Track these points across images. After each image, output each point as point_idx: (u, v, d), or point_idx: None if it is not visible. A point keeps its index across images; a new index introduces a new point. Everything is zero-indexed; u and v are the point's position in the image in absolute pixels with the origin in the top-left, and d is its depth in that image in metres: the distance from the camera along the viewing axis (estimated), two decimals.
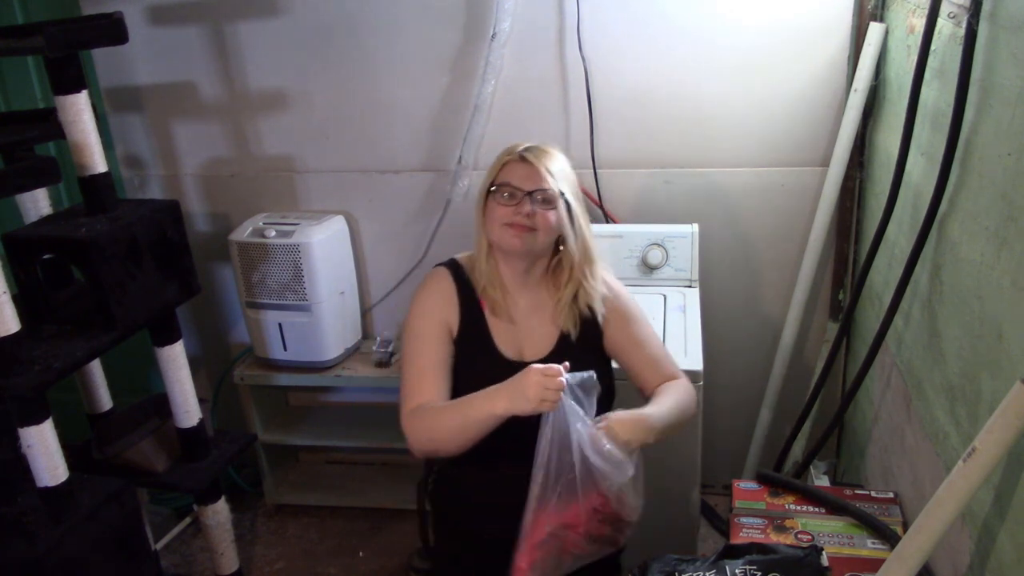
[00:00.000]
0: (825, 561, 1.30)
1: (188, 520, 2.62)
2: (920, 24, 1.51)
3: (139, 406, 2.17)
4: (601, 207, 2.28)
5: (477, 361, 1.45)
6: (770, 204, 2.22)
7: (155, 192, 2.60)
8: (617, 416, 1.28)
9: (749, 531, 1.49)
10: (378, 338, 2.46)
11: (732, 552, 1.29)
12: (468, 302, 1.47)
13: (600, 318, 1.49)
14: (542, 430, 1.25)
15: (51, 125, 1.83)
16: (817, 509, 1.54)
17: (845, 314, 1.97)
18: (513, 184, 1.40)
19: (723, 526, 2.32)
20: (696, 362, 1.76)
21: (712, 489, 2.50)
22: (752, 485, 1.63)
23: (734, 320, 2.35)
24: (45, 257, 1.82)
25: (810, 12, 2.03)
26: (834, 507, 1.53)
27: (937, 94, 1.42)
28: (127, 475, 1.96)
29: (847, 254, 2.21)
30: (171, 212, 1.91)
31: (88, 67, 2.43)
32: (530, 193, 1.39)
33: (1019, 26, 1.05)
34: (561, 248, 1.47)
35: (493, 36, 2.17)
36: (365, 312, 2.59)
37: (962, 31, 1.21)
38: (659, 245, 2.13)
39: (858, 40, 2.00)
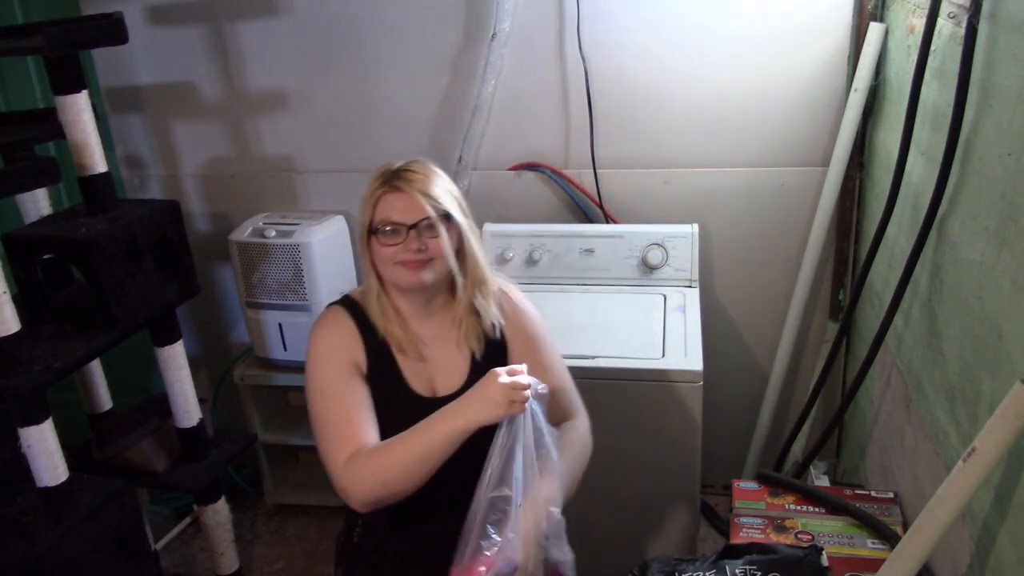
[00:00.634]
0: (825, 561, 1.30)
1: (188, 520, 2.62)
2: (920, 24, 1.51)
3: (139, 406, 2.17)
4: (601, 207, 2.28)
5: (389, 402, 1.34)
6: (770, 204, 2.22)
7: (155, 192, 2.60)
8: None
9: (749, 531, 1.49)
10: None
11: (732, 552, 1.30)
12: (372, 341, 1.35)
13: (499, 334, 1.39)
14: (499, 438, 1.17)
15: (51, 125, 1.83)
16: (817, 509, 1.54)
17: (845, 314, 1.97)
18: (394, 220, 1.27)
19: (723, 526, 2.32)
20: (696, 362, 1.76)
21: (712, 489, 2.50)
22: (752, 485, 1.63)
23: (734, 320, 2.35)
24: (45, 257, 1.81)
25: (810, 12, 2.03)
26: (834, 507, 1.53)
27: (937, 94, 1.42)
28: (127, 475, 1.96)
29: (847, 254, 2.21)
30: (171, 212, 1.91)
31: (88, 67, 2.43)
32: (414, 226, 1.27)
33: (1019, 26, 1.05)
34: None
35: (493, 36, 2.17)
36: None
37: (962, 31, 1.21)
38: (659, 245, 2.13)
39: (858, 40, 2.00)
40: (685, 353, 1.79)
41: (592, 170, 2.26)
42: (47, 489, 1.67)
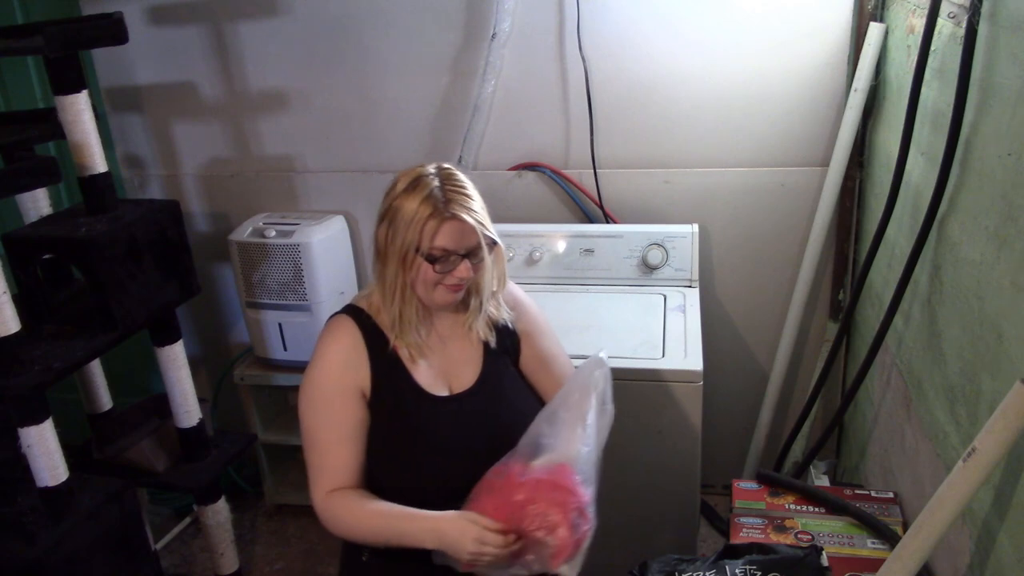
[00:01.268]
0: (825, 561, 1.30)
1: (188, 520, 2.62)
2: (920, 24, 1.51)
3: (139, 406, 2.17)
4: (601, 207, 2.29)
5: (406, 411, 1.30)
6: (770, 204, 2.22)
7: (155, 192, 2.60)
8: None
9: (749, 531, 1.49)
10: None
11: (732, 552, 1.30)
12: (379, 355, 1.30)
13: (511, 324, 1.39)
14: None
15: (51, 125, 1.83)
16: (817, 509, 1.54)
17: (845, 314, 1.97)
18: (450, 249, 1.22)
19: (723, 526, 2.32)
20: (696, 362, 1.76)
21: (712, 489, 2.50)
22: (752, 485, 1.63)
23: (734, 320, 2.35)
24: (45, 257, 1.82)
25: (810, 12, 2.03)
26: (834, 507, 1.53)
27: (937, 94, 1.42)
28: (127, 475, 1.96)
29: (847, 254, 2.21)
30: (171, 212, 1.91)
31: (88, 67, 2.43)
32: (465, 254, 1.24)
33: (1019, 26, 1.05)
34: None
35: (493, 36, 2.17)
36: None
37: (962, 31, 1.21)
38: (659, 245, 2.13)
39: (858, 40, 2.00)
40: (685, 353, 1.79)
41: (592, 170, 2.26)
42: (47, 489, 1.67)
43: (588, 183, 2.28)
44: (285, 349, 2.41)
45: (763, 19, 2.06)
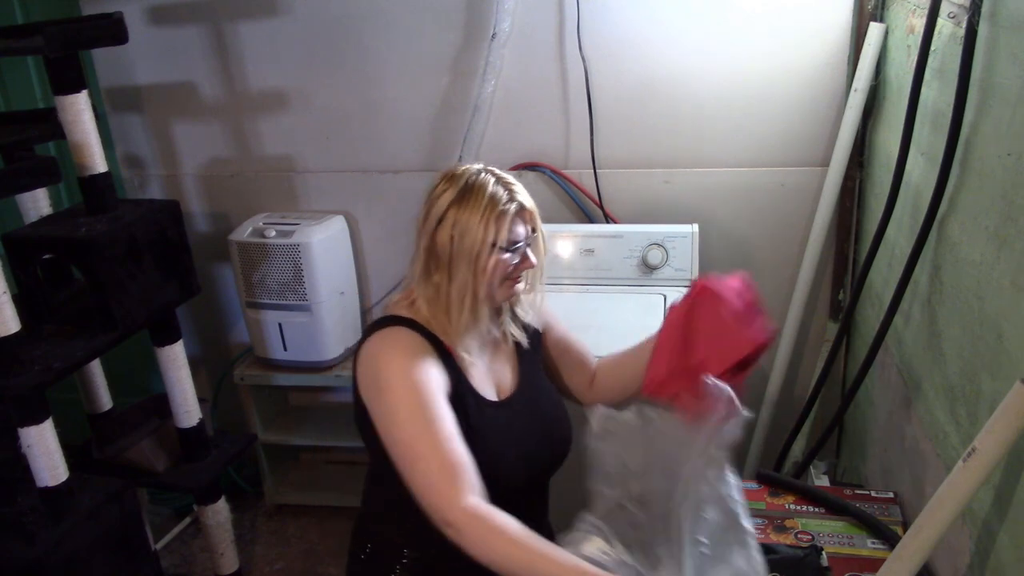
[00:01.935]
0: (825, 561, 1.30)
1: (188, 520, 2.62)
2: (920, 24, 1.51)
3: (139, 406, 2.17)
4: (601, 207, 2.28)
5: (468, 416, 1.27)
6: (770, 204, 2.22)
7: (155, 192, 2.60)
8: None
9: None
10: None
11: None
12: (445, 359, 1.27)
13: (540, 328, 1.42)
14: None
15: (51, 125, 1.84)
16: (817, 509, 1.54)
17: (845, 314, 1.97)
18: (520, 238, 1.25)
19: None
20: None
21: None
22: (752, 485, 1.63)
23: None
24: (45, 257, 1.82)
25: (810, 12, 2.03)
26: (834, 507, 1.53)
27: (937, 94, 1.42)
28: (127, 475, 1.96)
29: (847, 254, 2.21)
30: (171, 212, 1.91)
31: (88, 67, 2.43)
32: (528, 244, 1.28)
33: (1019, 26, 1.05)
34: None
35: (493, 36, 2.17)
36: (365, 312, 2.59)
37: (962, 31, 1.21)
38: (659, 245, 2.13)
39: (858, 40, 2.00)
40: None
41: (592, 170, 2.26)
42: (47, 489, 1.67)
43: (588, 183, 2.28)
44: (285, 349, 2.41)
45: (763, 19, 2.06)
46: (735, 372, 1.19)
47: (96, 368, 2.18)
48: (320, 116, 2.40)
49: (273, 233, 2.31)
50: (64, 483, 1.69)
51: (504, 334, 1.37)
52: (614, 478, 1.15)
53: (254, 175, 2.52)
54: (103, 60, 2.45)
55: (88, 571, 1.73)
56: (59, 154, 2.40)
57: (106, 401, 2.23)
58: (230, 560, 2.18)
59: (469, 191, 1.24)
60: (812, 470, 1.94)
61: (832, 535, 1.46)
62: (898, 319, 1.57)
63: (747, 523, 1.09)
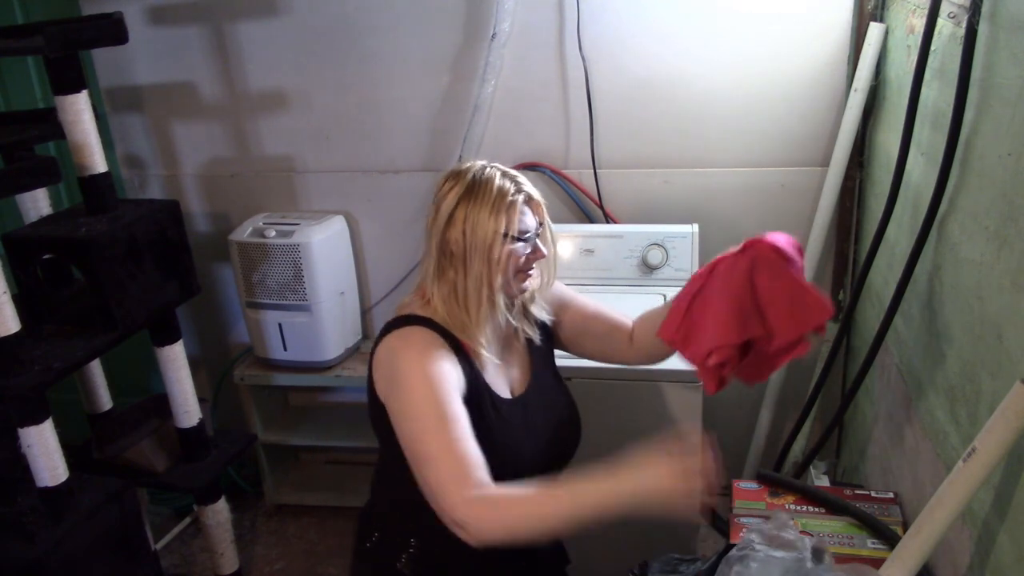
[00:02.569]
0: (828, 563, 1.30)
1: (188, 520, 2.62)
2: (920, 24, 1.51)
3: (139, 406, 2.17)
4: (601, 207, 2.28)
5: (485, 415, 1.27)
6: (770, 204, 2.22)
7: (155, 192, 2.60)
8: None
9: None
10: None
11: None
12: (462, 358, 1.27)
13: (550, 323, 1.43)
14: None
15: (51, 125, 1.84)
16: (817, 509, 1.54)
17: (845, 314, 1.97)
18: (530, 229, 1.27)
19: (723, 526, 2.32)
20: None
21: None
22: (752, 485, 1.63)
23: None
24: (45, 257, 1.82)
25: (810, 12, 2.03)
26: (834, 507, 1.53)
27: (937, 94, 1.42)
28: (127, 475, 1.96)
29: (847, 254, 2.21)
30: (171, 212, 1.91)
31: (88, 67, 2.43)
32: (538, 235, 1.29)
33: (1019, 26, 1.05)
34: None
35: (493, 36, 2.17)
36: (365, 312, 2.59)
37: (962, 31, 1.21)
38: (659, 245, 2.13)
39: (858, 40, 2.00)
40: None
41: (592, 170, 2.26)
42: (47, 489, 1.67)
43: (588, 183, 2.28)
44: (285, 349, 2.41)
45: (763, 19, 2.05)
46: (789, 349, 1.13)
47: (96, 368, 2.18)
48: (320, 116, 2.40)
49: (273, 233, 2.31)
50: (64, 483, 1.69)
51: (516, 330, 1.38)
52: None
53: (254, 175, 2.52)
54: (103, 60, 2.45)
55: (88, 571, 1.73)
56: (59, 154, 2.40)
57: (106, 401, 2.23)
58: (230, 560, 2.18)
59: (477, 185, 1.25)
60: (812, 470, 1.94)
61: (832, 535, 1.46)
62: (898, 319, 1.57)
63: None
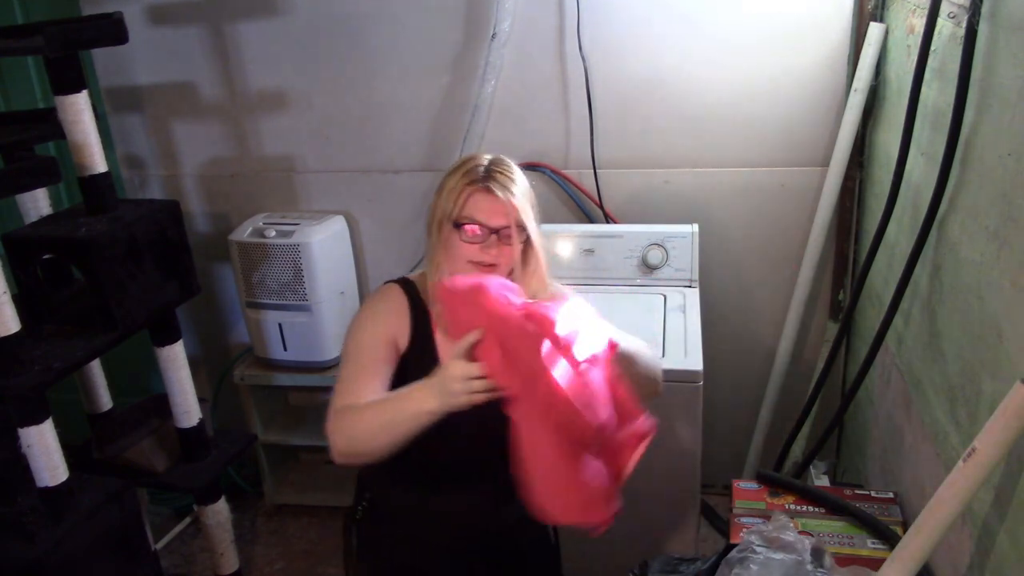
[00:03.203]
0: (828, 564, 1.30)
1: (188, 520, 2.62)
2: (920, 24, 1.51)
3: (139, 406, 2.17)
4: (601, 207, 2.29)
5: (424, 373, 1.26)
6: (770, 204, 2.22)
7: (155, 192, 2.60)
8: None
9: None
10: None
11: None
12: (419, 321, 1.36)
13: None
14: None
15: (51, 125, 1.83)
16: (817, 509, 1.54)
17: (845, 314, 1.97)
18: (480, 220, 1.27)
19: (723, 526, 2.32)
20: (696, 362, 1.75)
21: (712, 489, 2.50)
22: (752, 485, 1.63)
23: (734, 320, 2.35)
24: (45, 257, 1.82)
25: (810, 12, 2.03)
26: (834, 507, 1.53)
27: (937, 94, 1.42)
28: (127, 475, 1.96)
29: (847, 254, 2.21)
30: (171, 212, 1.91)
31: (88, 67, 2.43)
32: (495, 231, 1.28)
33: (1019, 26, 1.05)
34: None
35: (493, 36, 2.17)
36: None
37: (962, 31, 1.21)
38: (659, 245, 2.13)
39: (858, 40, 2.00)
40: (685, 353, 1.79)
41: (592, 170, 2.26)
42: (47, 489, 1.67)
43: (588, 183, 2.28)
44: (285, 349, 2.41)
45: (763, 19, 2.06)
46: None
47: (96, 368, 2.18)
48: (320, 116, 2.40)
49: (273, 233, 2.31)
50: (64, 483, 1.69)
51: None
52: None
53: (254, 175, 2.52)
54: (103, 60, 2.45)
55: (88, 571, 1.73)
56: (59, 154, 2.40)
57: (106, 401, 2.23)
58: (230, 560, 2.18)
59: (460, 165, 1.32)
60: (812, 470, 1.94)
61: (832, 535, 1.46)
62: (898, 319, 1.57)
63: None
